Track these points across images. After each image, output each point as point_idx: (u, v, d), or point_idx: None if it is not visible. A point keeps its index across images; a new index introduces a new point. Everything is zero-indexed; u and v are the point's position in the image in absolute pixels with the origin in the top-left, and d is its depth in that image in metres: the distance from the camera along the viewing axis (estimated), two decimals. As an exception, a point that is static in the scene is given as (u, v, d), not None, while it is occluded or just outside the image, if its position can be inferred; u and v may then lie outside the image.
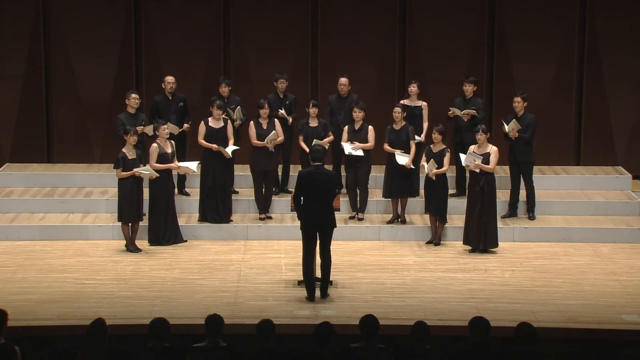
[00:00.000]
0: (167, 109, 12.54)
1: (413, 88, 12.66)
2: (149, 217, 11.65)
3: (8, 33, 13.98)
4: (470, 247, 11.57)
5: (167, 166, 11.59)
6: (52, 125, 14.17)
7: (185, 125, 12.53)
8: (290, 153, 12.77)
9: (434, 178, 11.55)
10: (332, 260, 10.16)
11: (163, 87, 12.62)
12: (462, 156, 11.63)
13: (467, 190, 11.69)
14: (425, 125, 12.59)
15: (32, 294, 10.15)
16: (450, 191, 12.18)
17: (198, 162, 12.01)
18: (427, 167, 11.62)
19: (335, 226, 10.22)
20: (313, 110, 12.34)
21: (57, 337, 9.06)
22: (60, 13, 14.00)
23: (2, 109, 14.15)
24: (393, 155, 12.02)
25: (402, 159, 11.86)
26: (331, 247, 10.18)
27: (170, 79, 12.62)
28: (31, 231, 11.97)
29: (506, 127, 12.17)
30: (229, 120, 12.22)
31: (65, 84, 14.10)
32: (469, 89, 12.64)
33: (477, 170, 11.39)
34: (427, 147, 11.95)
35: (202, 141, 12.10)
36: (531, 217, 12.39)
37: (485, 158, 11.47)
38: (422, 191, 12.19)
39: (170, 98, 12.60)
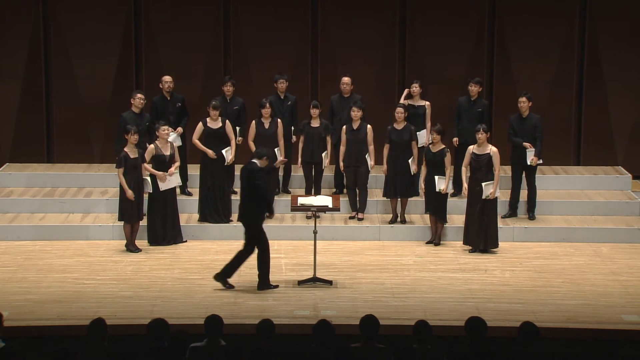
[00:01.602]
0: (165, 109, 12.52)
1: (415, 88, 12.65)
2: (148, 217, 11.65)
3: (8, 33, 13.98)
4: (470, 247, 11.56)
5: (154, 172, 11.46)
6: (52, 125, 14.17)
7: (179, 128, 12.47)
8: (291, 154, 12.76)
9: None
10: (271, 256, 10.30)
11: (161, 86, 12.61)
12: (484, 185, 11.43)
13: (467, 187, 11.58)
14: (428, 125, 12.59)
15: (32, 294, 10.15)
16: (449, 191, 12.20)
17: (176, 171, 11.80)
18: (439, 185, 11.58)
19: (252, 224, 10.22)
20: (314, 111, 12.34)
21: (57, 337, 9.05)
22: (60, 13, 14.00)
23: (2, 109, 14.15)
24: (394, 155, 12.01)
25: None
26: (331, 246, 10.16)
27: (167, 78, 12.60)
28: (31, 231, 11.96)
29: (529, 160, 12.04)
30: (227, 121, 12.21)
31: (65, 84, 14.11)
32: (474, 89, 12.60)
33: (498, 194, 11.37)
34: (426, 147, 11.92)
35: (196, 141, 12.10)
36: (531, 217, 12.38)
37: (486, 159, 11.45)
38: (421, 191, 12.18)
39: (168, 98, 12.58)
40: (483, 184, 11.37)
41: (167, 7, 14.08)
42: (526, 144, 12.12)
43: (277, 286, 10.39)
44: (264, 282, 10.38)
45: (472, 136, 12.41)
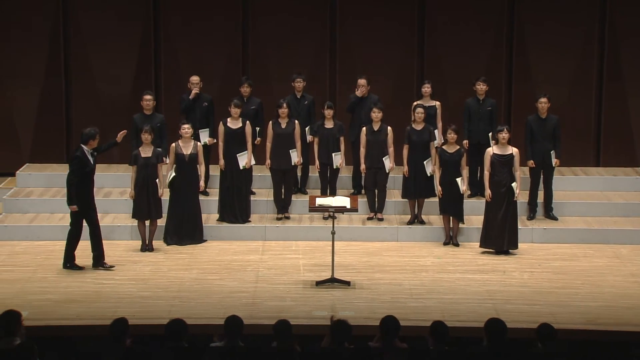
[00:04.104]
0: (191, 109, 12.57)
1: (427, 89, 12.64)
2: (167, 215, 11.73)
3: (28, 34, 14.06)
4: (491, 249, 11.47)
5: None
6: (72, 125, 14.23)
7: (209, 139, 12.52)
8: (307, 154, 12.76)
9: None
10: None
11: (189, 86, 12.66)
12: (514, 186, 11.44)
13: (490, 191, 11.48)
14: (440, 125, 12.57)
15: (52, 293, 10.20)
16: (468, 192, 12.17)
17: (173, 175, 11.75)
18: (462, 187, 11.57)
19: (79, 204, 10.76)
20: (328, 112, 12.34)
21: (76, 336, 9.09)
22: (79, 14, 14.07)
23: (22, 110, 14.23)
24: (414, 156, 11.97)
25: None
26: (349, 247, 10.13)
27: (194, 78, 12.65)
28: (51, 231, 12.01)
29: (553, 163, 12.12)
30: (248, 122, 12.23)
31: (84, 85, 14.17)
32: (482, 88, 12.57)
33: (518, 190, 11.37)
34: (440, 148, 11.85)
35: (221, 144, 12.16)
36: (553, 217, 12.33)
37: (509, 159, 11.40)
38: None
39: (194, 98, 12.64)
40: (513, 184, 11.33)
41: (186, 8, 14.12)
42: (531, 163, 12.12)
43: (112, 266, 10.82)
44: (65, 260, 10.79)
45: (484, 137, 12.41)
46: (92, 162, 10.90)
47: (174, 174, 11.60)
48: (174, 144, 11.71)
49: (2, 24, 14.06)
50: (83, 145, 10.87)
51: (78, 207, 10.83)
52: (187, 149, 11.69)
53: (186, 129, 11.67)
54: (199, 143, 11.88)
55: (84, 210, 10.90)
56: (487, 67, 13.97)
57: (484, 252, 11.54)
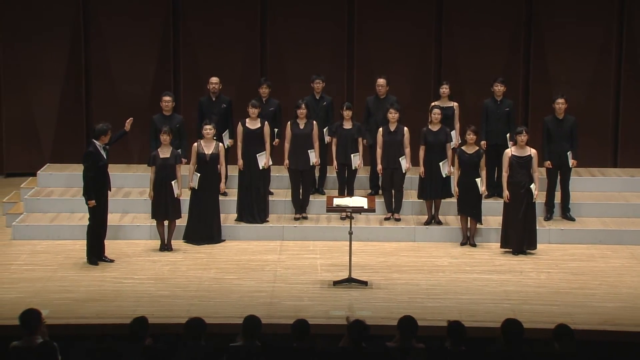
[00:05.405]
0: (209, 110, 12.65)
1: (445, 89, 12.66)
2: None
3: (49, 36, 14.19)
4: (510, 250, 11.50)
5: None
6: (92, 125, 14.32)
7: (229, 140, 12.60)
8: (325, 155, 12.81)
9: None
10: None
11: (208, 88, 12.74)
12: (532, 187, 11.46)
13: (508, 192, 11.49)
14: (457, 126, 12.60)
15: (72, 292, 10.29)
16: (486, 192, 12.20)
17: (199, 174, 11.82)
18: (481, 188, 11.61)
19: (87, 200, 10.97)
20: (347, 113, 12.38)
21: (96, 335, 9.18)
22: (100, 16, 14.19)
23: (43, 110, 14.37)
24: (431, 157, 12.01)
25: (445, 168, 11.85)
26: (366, 247, 10.20)
27: (214, 79, 12.73)
28: (71, 230, 12.12)
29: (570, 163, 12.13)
30: (266, 122, 12.30)
31: (104, 86, 14.29)
32: (500, 89, 12.58)
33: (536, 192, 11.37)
34: (459, 149, 11.89)
35: (240, 144, 12.23)
36: (570, 218, 12.33)
37: (527, 161, 11.42)
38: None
39: (213, 99, 12.71)
40: (532, 186, 11.35)
41: (205, 10, 14.20)
42: (548, 164, 12.13)
43: (97, 264, 10.95)
44: (88, 255, 11.00)
45: (501, 138, 12.42)
46: (105, 156, 11.05)
47: (198, 174, 11.67)
48: (195, 144, 11.80)
49: (23, 26, 14.20)
50: (95, 141, 11.00)
51: (89, 197, 10.98)
52: (208, 149, 11.78)
53: (208, 129, 11.75)
54: (220, 144, 11.96)
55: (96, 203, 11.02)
56: (504, 68, 13.98)
57: (501, 253, 11.55)
